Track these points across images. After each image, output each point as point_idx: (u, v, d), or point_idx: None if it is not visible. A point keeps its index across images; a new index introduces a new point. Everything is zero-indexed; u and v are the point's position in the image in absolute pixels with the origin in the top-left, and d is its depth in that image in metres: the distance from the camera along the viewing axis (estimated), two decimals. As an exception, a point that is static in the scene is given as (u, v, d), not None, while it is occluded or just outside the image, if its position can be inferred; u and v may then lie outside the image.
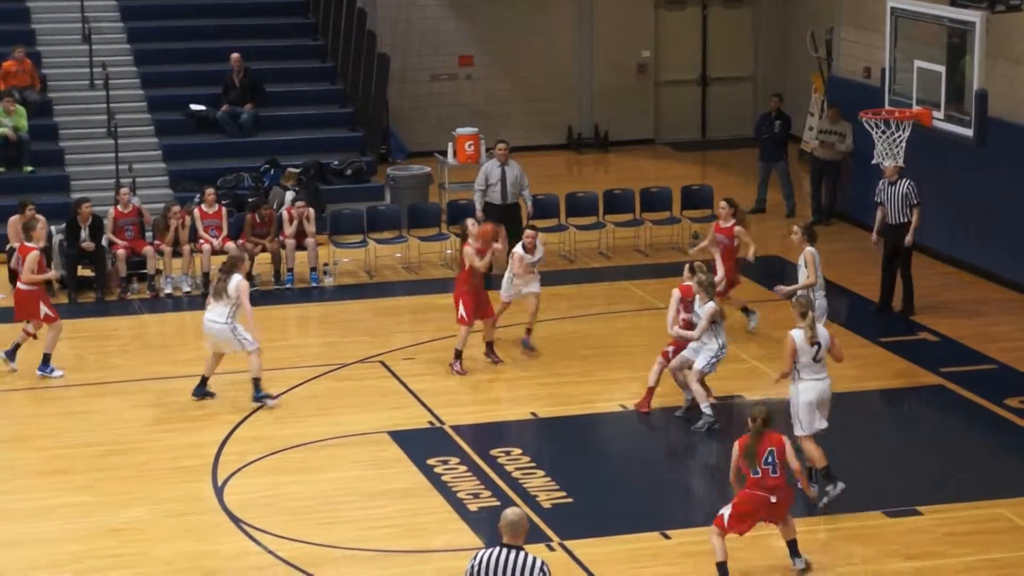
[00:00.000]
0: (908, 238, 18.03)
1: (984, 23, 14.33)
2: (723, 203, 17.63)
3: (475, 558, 9.32)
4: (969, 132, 14.78)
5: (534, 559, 9.24)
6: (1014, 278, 19.10)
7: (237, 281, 15.73)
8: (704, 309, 14.86)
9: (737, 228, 17.33)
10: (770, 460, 11.91)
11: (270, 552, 12.85)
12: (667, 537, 13.01)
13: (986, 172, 19.31)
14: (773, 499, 11.94)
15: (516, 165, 20.02)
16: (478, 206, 19.85)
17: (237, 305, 15.71)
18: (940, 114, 15.04)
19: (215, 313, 15.79)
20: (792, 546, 12.27)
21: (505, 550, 9.26)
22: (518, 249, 17.18)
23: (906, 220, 18.00)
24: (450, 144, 22.09)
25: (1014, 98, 19.03)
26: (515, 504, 13.43)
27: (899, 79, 15.65)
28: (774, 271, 20.03)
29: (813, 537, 13.00)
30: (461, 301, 16.51)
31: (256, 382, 15.84)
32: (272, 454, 14.74)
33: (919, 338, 17.64)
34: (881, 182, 18.12)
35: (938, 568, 12.45)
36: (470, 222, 17.08)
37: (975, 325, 17.93)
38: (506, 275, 17.34)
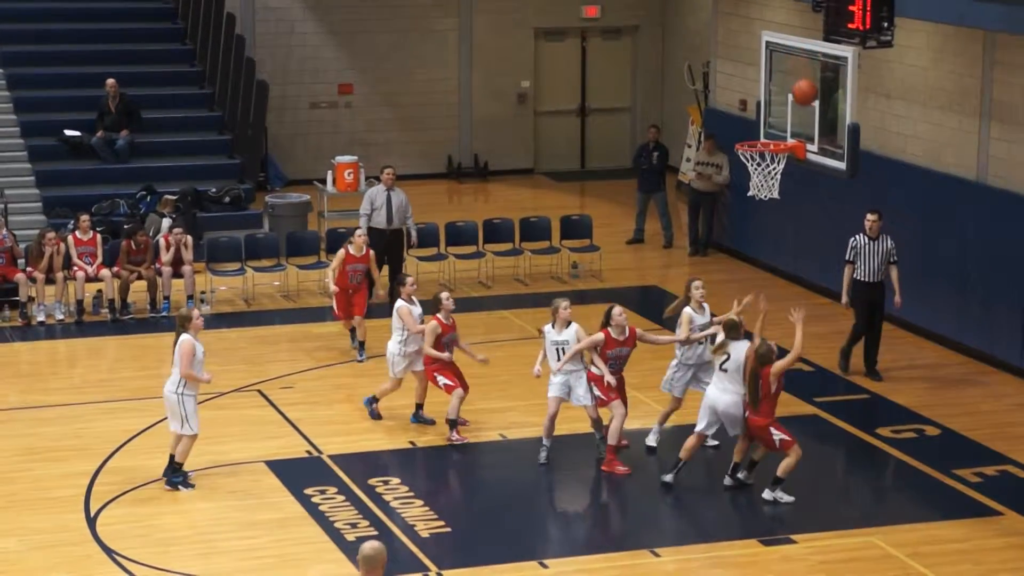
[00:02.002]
0: (897, 299, 17.16)
1: (856, 58, 14.55)
2: (359, 232, 18.01)
3: None
4: (842, 165, 15.00)
5: None
6: (886, 309, 19.41)
7: (180, 342, 14.17)
8: (574, 332, 14.91)
9: (372, 253, 17.87)
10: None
11: (143, 584, 12.68)
12: (545, 566, 13.03)
13: (859, 203, 19.64)
14: (747, 414, 14.11)
15: (401, 192, 19.99)
16: (362, 229, 19.68)
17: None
18: (814, 147, 15.25)
19: (170, 380, 14.30)
20: (749, 465, 14.30)
21: None
22: (403, 304, 15.65)
23: (883, 278, 17.18)
24: (329, 172, 22.03)
25: (885, 131, 19.41)
26: (393, 534, 13.40)
27: (774, 112, 15.83)
28: (653, 300, 20.22)
29: (687, 566, 13.11)
30: (437, 374, 15.47)
31: (176, 462, 14.38)
32: (146, 484, 14.54)
33: (794, 368, 17.83)
34: (856, 238, 17.24)
35: (812, 595, 12.61)
36: (444, 296, 15.49)
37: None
38: (393, 344, 15.71)
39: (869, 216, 17.29)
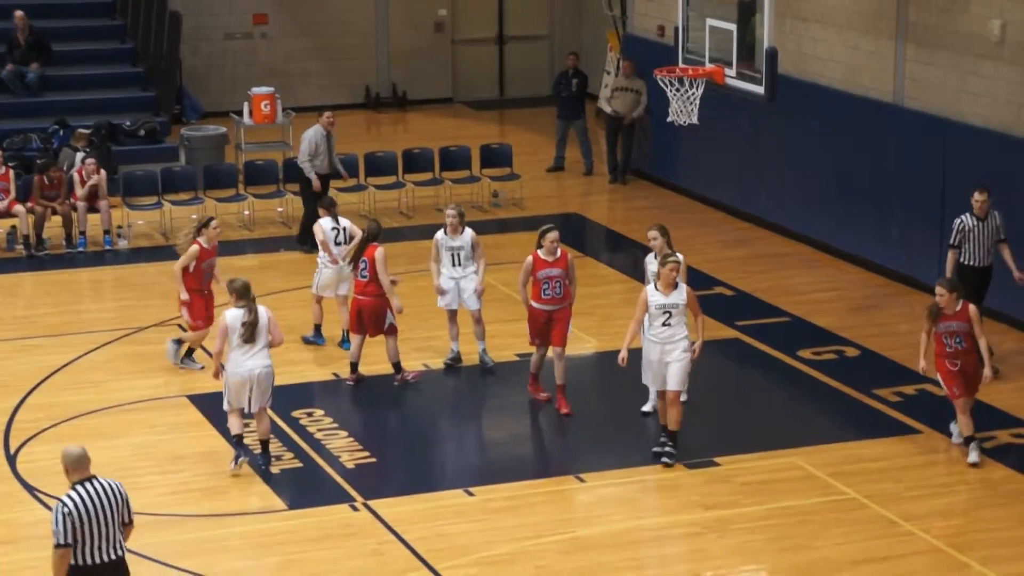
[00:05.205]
0: (1017, 274, 15.17)
1: (774, -18, 14.61)
2: (214, 223, 15.32)
3: (66, 509, 9.35)
4: (760, 89, 15.06)
5: (108, 481, 9.54)
6: (805, 231, 19.56)
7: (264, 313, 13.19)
8: (468, 237, 15.41)
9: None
10: (958, 338, 13.50)
11: (66, 521, 12.56)
12: (470, 494, 13.06)
13: (777, 127, 19.72)
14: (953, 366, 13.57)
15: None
16: (312, 177, 19.04)
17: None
18: (732, 71, 15.29)
19: (265, 354, 13.21)
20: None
21: (85, 484, 9.44)
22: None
23: (991, 261, 15.19)
24: (246, 104, 21.81)
25: (802, 55, 19.45)
26: (318, 465, 13.40)
27: (692, 38, 15.85)
28: (575, 228, 20.24)
29: (613, 491, 13.18)
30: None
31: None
32: (67, 420, 14.41)
33: (715, 292, 17.97)
34: (963, 220, 15.08)
35: (736, 516, 12.72)
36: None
37: (769, 279, 18.32)
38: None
39: (977, 195, 15.06)
